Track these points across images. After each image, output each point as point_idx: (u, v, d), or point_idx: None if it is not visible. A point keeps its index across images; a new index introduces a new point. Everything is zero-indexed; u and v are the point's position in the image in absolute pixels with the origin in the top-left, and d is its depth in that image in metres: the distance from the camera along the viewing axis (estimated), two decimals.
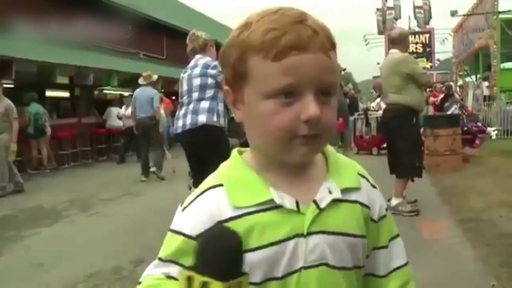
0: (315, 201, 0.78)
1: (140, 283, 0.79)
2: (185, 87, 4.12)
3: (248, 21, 0.77)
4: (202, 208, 0.78)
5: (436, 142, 7.84)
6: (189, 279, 0.62)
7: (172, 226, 0.80)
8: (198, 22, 18.44)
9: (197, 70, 4.07)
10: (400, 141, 5.04)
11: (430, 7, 25.46)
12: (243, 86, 0.77)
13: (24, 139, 9.50)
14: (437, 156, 7.76)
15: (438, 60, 26.70)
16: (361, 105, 12.30)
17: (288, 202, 0.77)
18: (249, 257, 0.71)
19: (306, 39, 0.72)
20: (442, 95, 12.45)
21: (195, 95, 4.02)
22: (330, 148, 0.85)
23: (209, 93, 3.99)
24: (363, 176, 0.86)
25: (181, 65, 5.53)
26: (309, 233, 0.76)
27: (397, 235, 0.88)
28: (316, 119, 0.72)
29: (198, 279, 0.61)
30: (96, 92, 14.94)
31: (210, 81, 4.00)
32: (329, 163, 0.83)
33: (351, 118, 10.72)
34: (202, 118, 3.94)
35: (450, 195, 5.79)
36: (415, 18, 25.60)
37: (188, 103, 4.04)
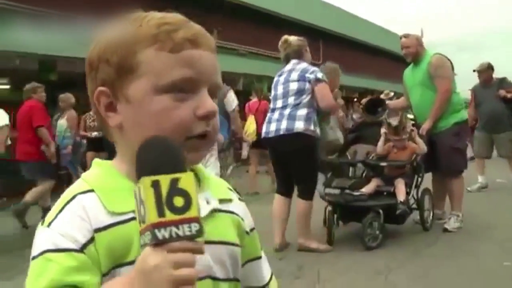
0: None
1: None
2: (280, 91, 4.06)
3: (128, 20, 0.72)
4: (74, 217, 0.68)
5: None
6: (156, 184, 0.57)
7: (41, 248, 0.66)
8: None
9: (294, 74, 4.01)
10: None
11: None
12: (126, 83, 0.71)
13: None
14: None
15: None
16: None
17: None
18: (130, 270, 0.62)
19: (201, 35, 0.72)
20: None
21: (291, 99, 3.95)
22: (199, 165, 0.80)
23: (305, 98, 3.93)
24: (231, 190, 0.86)
25: None
26: None
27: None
28: (213, 113, 0.71)
29: (166, 178, 0.57)
30: None
31: (307, 86, 3.94)
32: (200, 176, 0.79)
33: None
34: (299, 125, 3.86)
35: None
36: None
37: (284, 108, 3.97)
